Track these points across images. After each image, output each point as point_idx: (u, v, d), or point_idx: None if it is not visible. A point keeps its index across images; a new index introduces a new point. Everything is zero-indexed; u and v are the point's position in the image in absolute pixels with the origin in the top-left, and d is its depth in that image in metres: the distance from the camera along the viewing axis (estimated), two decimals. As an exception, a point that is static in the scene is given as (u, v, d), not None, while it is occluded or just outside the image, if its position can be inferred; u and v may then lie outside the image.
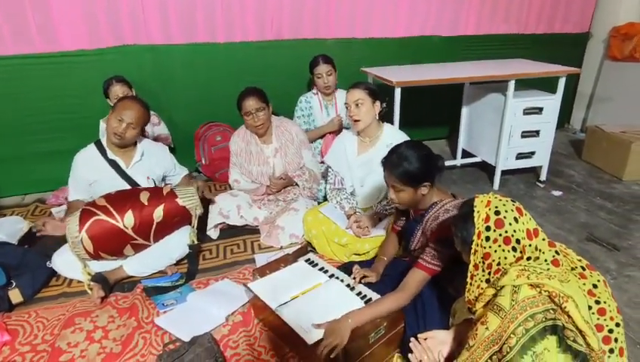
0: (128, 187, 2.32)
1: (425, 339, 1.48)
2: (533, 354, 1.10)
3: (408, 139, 2.35)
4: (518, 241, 1.22)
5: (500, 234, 1.23)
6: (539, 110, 3.07)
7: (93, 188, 2.33)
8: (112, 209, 2.09)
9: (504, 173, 3.26)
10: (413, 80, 2.76)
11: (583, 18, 4.28)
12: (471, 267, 1.31)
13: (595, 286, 1.24)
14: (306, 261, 2.02)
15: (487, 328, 1.22)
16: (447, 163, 3.53)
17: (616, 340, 1.19)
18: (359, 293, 1.75)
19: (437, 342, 1.48)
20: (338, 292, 1.72)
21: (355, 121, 2.25)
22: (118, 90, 2.87)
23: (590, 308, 1.19)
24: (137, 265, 2.23)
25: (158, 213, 2.16)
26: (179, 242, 2.26)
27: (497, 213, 1.24)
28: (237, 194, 2.70)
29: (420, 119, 4.05)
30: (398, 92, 2.75)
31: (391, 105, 2.82)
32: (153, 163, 2.44)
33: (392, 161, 1.69)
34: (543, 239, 1.26)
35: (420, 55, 3.76)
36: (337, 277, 1.87)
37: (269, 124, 2.66)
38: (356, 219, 2.29)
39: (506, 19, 4.01)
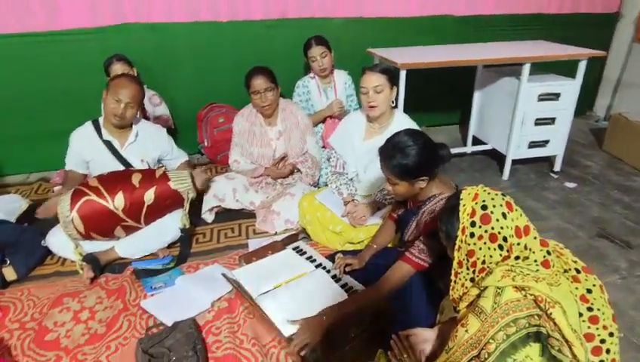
0: (122, 168, 2.29)
1: (407, 337, 1.41)
2: (514, 361, 1.02)
3: (417, 128, 2.24)
4: (505, 239, 1.12)
5: (486, 231, 1.13)
6: (555, 96, 2.89)
7: (89, 167, 2.32)
8: (103, 190, 2.07)
9: (515, 162, 3.11)
10: (420, 62, 2.62)
11: (612, -3, 4.00)
12: (455, 264, 1.22)
13: (589, 291, 1.14)
14: (294, 249, 1.97)
15: (466, 331, 1.13)
16: (457, 150, 3.42)
17: (608, 351, 1.09)
18: (344, 285, 1.68)
19: (419, 339, 1.40)
20: (322, 283, 1.66)
21: (372, 107, 2.13)
22: (118, 68, 2.83)
23: (581, 315, 1.09)
24: (129, 246, 2.21)
25: (149, 196, 2.12)
26: (171, 225, 2.23)
27: (484, 207, 1.15)
28: (233, 177, 2.65)
29: (432, 104, 3.89)
30: (403, 74, 2.62)
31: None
32: (148, 145, 2.40)
33: (388, 151, 1.58)
34: (535, 238, 1.16)
35: (432, 36, 3.57)
36: (324, 267, 1.81)
37: (276, 106, 2.59)
38: (352, 209, 2.22)
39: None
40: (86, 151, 2.29)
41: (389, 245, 2.02)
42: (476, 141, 3.46)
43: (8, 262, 2.10)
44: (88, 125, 2.32)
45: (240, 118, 2.65)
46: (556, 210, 2.67)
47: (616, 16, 4.09)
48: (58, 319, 1.86)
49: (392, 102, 2.18)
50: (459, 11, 3.68)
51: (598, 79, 4.34)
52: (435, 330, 1.42)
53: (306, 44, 2.86)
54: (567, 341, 1.03)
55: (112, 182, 2.11)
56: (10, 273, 2.09)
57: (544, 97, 2.89)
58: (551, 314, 1.04)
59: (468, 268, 1.20)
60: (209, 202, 2.55)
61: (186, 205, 2.23)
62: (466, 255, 1.18)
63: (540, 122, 2.95)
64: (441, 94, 3.83)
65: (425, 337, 1.41)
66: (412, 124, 2.23)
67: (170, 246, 2.31)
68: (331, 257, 1.97)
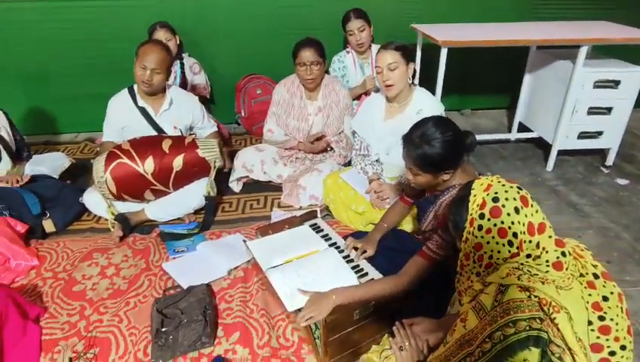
0: (155, 134, 2.36)
1: (411, 325, 1.38)
2: (510, 364, 0.96)
3: (440, 106, 2.14)
4: (515, 235, 1.05)
5: (495, 225, 1.06)
6: (614, 83, 2.64)
7: (124, 133, 2.40)
8: (134, 153, 2.15)
9: (562, 152, 2.90)
10: (463, 40, 2.47)
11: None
12: (461, 256, 1.17)
13: (605, 298, 1.05)
14: (311, 226, 1.96)
15: (464, 326, 1.09)
16: (499, 136, 3.25)
17: (617, 365, 1.00)
18: (356, 267, 1.66)
19: (423, 329, 1.36)
20: (332, 263, 1.64)
21: (388, 86, 2.05)
22: (161, 35, 2.89)
23: (591, 323, 1.01)
24: (157, 210, 2.30)
25: (178, 162, 2.18)
26: (197, 192, 2.29)
27: (496, 199, 1.07)
28: (263, 149, 2.66)
29: (479, 85, 3.70)
30: (444, 52, 2.48)
31: (435, 68, 2.57)
32: (182, 112, 2.45)
33: (413, 140, 1.49)
34: (550, 236, 1.07)
35: (487, 13, 3.35)
36: (338, 247, 1.79)
37: (320, 81, 2.56)
38: (378, 188, 2.17)
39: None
40: (122, 117, 2.36)
41: (408, 230, 1.97)
42: (522, 128, 3.25)
43: (48, 215, 2.25)
44: (124, 92, 2.39)
45: (281, 87, 2.63)
46: (601, 208, 2.48)
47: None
48: (86, 272, 1.98)
49: (410, 78, 2.08)
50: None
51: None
52: (440, 322, 1.38)
53: (344, 17, 2.78)
54: (569, 349, 0.96)
55: (143, 146, 2.18)
56: (49, 225, 2.24)
57: (601, 84, 2.64)
58: (555, 319, 0.97)
59: (475, 262, 1.14)
60: (238, 172, 2.59)
61: (212, 173, 2.27)
62: (473, 248, 1.12)
63: (593, 111, 2.71)
64: (490, 76, 3.63)
65: (429, 327, 1.37)
66: (434, 101, 2.13)
67: (196, 212, 2.38)
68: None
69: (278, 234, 1.88)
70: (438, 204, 1.59)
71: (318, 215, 2.10)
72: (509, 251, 1.06)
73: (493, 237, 1.07)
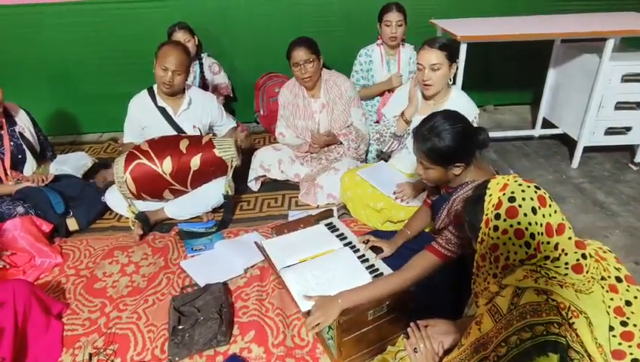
0: (174, 134, 2.39)
1: (426, 326, 1.35)
2: (526, 370, 0.93)
3: (475, 108, 2.08)
4: (532, 236, 1.01)
5: (512, 225, 1.03)
6: (644, 77, 2.54)
7: (144, 133, 2.44)
8: (152, 154, 2.18)
9: (588, 149, 2.80)
10: (484, 34, 2.41)
11: None
12: (477, 257, 1.14)
13: (628, 303, 1.00)
14: (327, 225, 1.95)
15: (479, 329, 1.06)
16: (522, 132, 3.16)
17: (641, 372, 0.96)
18: (370, 266, 1.64)
19: (439, 331, 1.34)
20: (346, 262, 1.63)
21: (427, 85, 2.01)
22: (180, 36, 2.93)
23: (612, 328, 0.97)
24: (176, 208, 2.33)
25: (195, 162, 2.21)
26: (215, 191, 2.31)
27: (512, 199, 1.04)
28: (280, 148, 2.66)
29: (502, 81, 3.61)
30: (463, 48, 2.43)
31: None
32: (200, 112, 2.47)
33: (422, 133, 1.48)
34: (569, 238, 1.03)
35: (498, 6, 3.26)
36: (353, 246, 1.77)
37: (318, 78, 2.54)
38: (397, 189, 2.15)
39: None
40: (142, 117, 2.41)
41: (426, 230, 1.94)
42: (547, 124, 3.16)
43: (72, 213, 2.31)
44: (144, 92, 2.43)
45: (285, 90, 2.64)
46: (629, 207, 2.38)
47: None
48: (107, 270, 2.03)
49: (450, 79, 2.03)
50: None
51: None
52: (457, 324, 1.35)
53: (384, 7, 2.70)
54: (589, 355, 0.92)
55: (161, 146, 2.21)
56: (73, 223, 2.31)
57: (630, 78, 2.54)
58: (573, 323, 0.93)
59: (491, 263, 1.11)
60: (255, 171, 2.60)
61: (230, 172, 2.29)
62: (489, 249, 1.09)
63: (621, 106, 2.61)
64: (512, 71, 3.53)
65: (445, 329, 1.34)
66: (469, 103, 2.07)
67: (215, 211, 2.40)
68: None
69: (293, 233, 1.88)
70: (451, 201, 1.56)
71: (335, 213, 2.09)
72: (526, 253, 1.03)
73: (509, 239, 1.04)
